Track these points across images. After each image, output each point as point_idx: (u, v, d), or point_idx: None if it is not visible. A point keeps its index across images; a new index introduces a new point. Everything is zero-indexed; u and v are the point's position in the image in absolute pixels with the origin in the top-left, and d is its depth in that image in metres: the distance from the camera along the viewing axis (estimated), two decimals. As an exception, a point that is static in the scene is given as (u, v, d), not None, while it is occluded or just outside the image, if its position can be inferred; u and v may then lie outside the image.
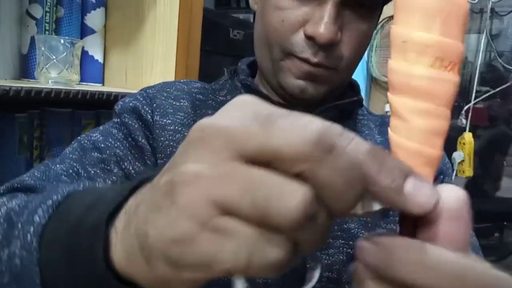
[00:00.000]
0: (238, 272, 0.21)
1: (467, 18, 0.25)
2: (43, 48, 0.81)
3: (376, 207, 0.23)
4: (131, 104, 0.58)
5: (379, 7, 0.55)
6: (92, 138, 0.56)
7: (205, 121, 0.22)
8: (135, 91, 0.98)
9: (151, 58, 1.04)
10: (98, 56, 1.07)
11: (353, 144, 0.21)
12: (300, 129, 0.20)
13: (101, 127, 0.58)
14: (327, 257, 0.53)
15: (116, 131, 0.57)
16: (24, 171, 0.84)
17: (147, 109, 0.58)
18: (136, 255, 0.24)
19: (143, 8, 1.04)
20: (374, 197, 0.22)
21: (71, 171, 0.52)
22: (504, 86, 1.73)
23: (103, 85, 1.11)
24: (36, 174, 0.51)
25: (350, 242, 0.54)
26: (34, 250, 0.30)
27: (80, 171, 0.52)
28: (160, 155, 0.56)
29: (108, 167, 0.54)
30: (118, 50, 1.09)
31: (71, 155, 0.54)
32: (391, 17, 1.84)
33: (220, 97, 0.62)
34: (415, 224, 0.24)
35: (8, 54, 0.94)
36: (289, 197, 0.20)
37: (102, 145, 0.55)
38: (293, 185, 0.20)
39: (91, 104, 0.88)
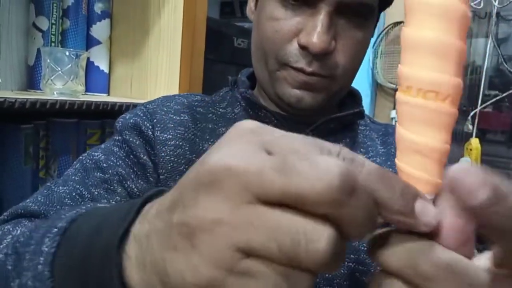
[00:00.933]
0: None
1: (463, 56, 0.26)
2: (48, 60, 0.82)
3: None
4: (131, 120, 0.58)
5: (374, 15, 0.55)
6: (94, 157, 0.56)
7: (213, 160, 0.21)
8: (140, 100, 1.00)
9: (155, 68, 1.05)
10: (104, 67, 1.08)
11: (367, 174, 0.22)
12: (321, 173, 0.20)
13: (102, 145, 0.59)
14: None
15: (117, 149, 0.57)
16: (30, 182, 0.86)
17: (147, 124, 0.58)
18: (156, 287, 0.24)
19: (148, 19, 1.05)
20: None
21: (74, 194, 0.52)
22: (510, 92, 1.72)
23: (109, 95, 1.12)
24: (39, 199, 0.51)
25: (352, 256, 0.53)
26: (47, 279, 0.30)
27: (83, 193, 0.52)
28: (162, 170, 0.56)
29: (112, 187, 0.54)
30: (123, 60, 1.10)
31: (73, 177, 0.54)
32: (396, 24, 1.85)
33: (220, 109, 0.62)
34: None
35: (15, 66, 0.96)
36: (316, 239, 0.20)
37: (105, 164, 0.55)
38: (318, 226, 0.20)
39: (96, 114, 0.89)
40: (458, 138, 1.73)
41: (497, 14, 1.70)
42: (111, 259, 0.27)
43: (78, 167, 0.56)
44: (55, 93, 0.83)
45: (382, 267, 0.24)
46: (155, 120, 0.58)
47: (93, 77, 1.06)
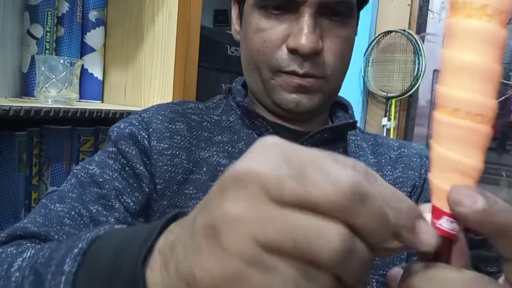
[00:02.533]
0: None
1: (500, 78, 0.27)
2: (43, 68, 0.83)
3: None
4: (127, 130, 0.58)
5: (354, 12, 0.57)
6: (90, 171, 0.55)
7: (238, 166, 0.23)
8: (134, 108, 1.00)
9: (149, 75, 1.06)
10: (98, 74, 1.09)
11: (378, 187, 0.23)
12: (334, 182, 0.22)
13: (96, 158, 0.58)
14: None
15: (112, 161, 0.56)
16: (23, 189, 0.86)
17: (143, 134, 0.57)
18: None
19: (142, 27, 1.06)
20: None
21: (73, 212, 0.52)
22: (499, 99, 1.75)
23: (103, 101, 1.12)
24: (38, 219, 0.50)
25: (380, 271, 0.55)
26: None
27: (81, 211, 0.52)
28: (159, 180, 0.55)
29: (109, 203, 0.53)
30: (117, 67, 1.11)
31: (70, 194, 0.54)
32: (386, 32, 1.87)
33: (215, 117, 0.63)
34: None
35: (9, 73, 0.97)
36: (328, 235, 0.21)
37: (100, 179, 0.54)
38: (330, 224, 0.22)
39: (90, 121, 0.90)
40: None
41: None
42: (136, 275, 0.28)
43: (73, 182, 0.55)
44: (49, 100, 0.83)
45: None
46: (151, 130, 0.58)
47: (87, 84, 1.07)
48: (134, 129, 0.58)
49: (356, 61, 1.73)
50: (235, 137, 0.60)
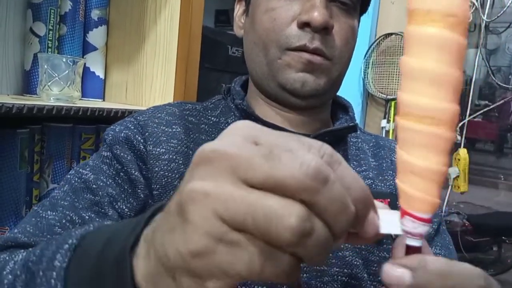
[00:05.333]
0: (253, 278, 0.24)
1: (461, 85, 0.27)
2: (45, 66, 0.83)
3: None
4: (122, 134, 0.56)
5: (358, 10, 0.59)
6: (83, 176, 0.54)
7: (209, 146, 0.25)
8: (135, 106, 1.01)
9: (151, 75, 1.06)
10: (100, 73, 1.10)
11: (341, 172, 0.25)
12: (300, 164, 0.23)
13: (91, 162, 0.56)
14: (322, 285, 0.53)
15: (107, 167, 0.55)
16: (25, 186, 0.87)
17: (139, 138, 0.56)
18: (163, 278, 0.26)
19: (144, 26, 1.06)
20: None
21: (64, 221, 0.50)
22: (498, 103, 1.76)
23: (104, 100, 1.13)
24: (28, 229, 0.49)
25: (345, 270, 0.54)
26: None
27: (73, 218, 0.51)
28: (155, 185, 0.54)
29: (103, 210, 0.52)
30: (119, 66, 1.12)
31: (62, 202, 0.52)
32: (387, 35, 1.88)
33: (212, 118, 0.62)
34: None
35: (12, 70, 0.97)
36: (286, 216, 0.22)
37: (94, 185, 0.53)
38: (289, 205, 0.23)
39: (91, 119, 0.90)
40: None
41: (486, 26, 1.74)
42: (123, 264, 0.28)
43: (66, 189, 0.54)
44: (51, 98, 0.84)
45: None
46: (147, 134, 0.56)
47: (89, 83, 1.08)
48: (130, 133, 0.56)
49: (356, 63, 1.73)
50: None
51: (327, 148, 0.25)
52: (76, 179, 0.54)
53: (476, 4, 1.70)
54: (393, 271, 0.28)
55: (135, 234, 0.29)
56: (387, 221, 0.28)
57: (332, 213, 0.24)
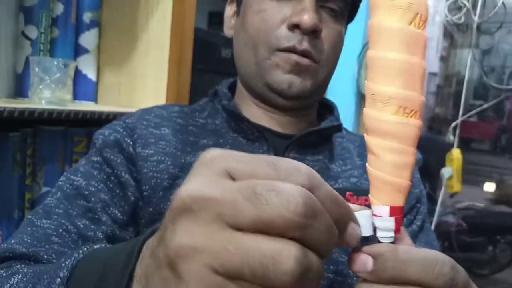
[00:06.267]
0: None
1: (425, 75, 0.29)
2: (37, 69, 0.83)
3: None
4: (111, 137, 0.57)
5: (345, 13, 0.60)
6: (75, 183, 0.55)
7: (186, 192, 0.23)
8: (128, 109, 1.01)
9: (143, 77, 1.06)
10: (92, 75, 1.09)
11: (324, 193, 0.25)
12: (287, 202, 0.22)
13: (81, 168, 0.57)
14: None
15: (97, 172, 0.56)
16: (17, 189, 0.87)
17: (128, 141, 0.57)
18: None
19: (136, 28, 1.07)
20: None
21: (60, 230, 0.51)
22: (491, 103, 1.77)
23: (96, 102, 1.13)
24: (25, 239, 0.50)
25: (331, 267, 0.55)
26: None
27: (69, 227, 0.51)
28: (145, 187, 0.55)
29: (96, 216, 0.53)
30: (112, 69, 1.12)
31: (56, 209, 0.53)
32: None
33: (200, 120, 0.63)
34: None
35: (4, 73, 0.97)
36: (284, 261, 0.22)
37: (86, 191, 0.54)
38: (284, 248, 0.22)
39: (84, 121, 0.91)
40: (442, 148, 1.77)
41: (478, 27, 1.75)
42: None
43: (59, 196, 0.54)
44: (43, 101, 0.84)
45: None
46: (135, 136, 0.57)
47: (81, 85, 1.07)
48: (119, 136, 0.57)
49: (349, 64, 1.74)
50: (221, 140, 0.60)
51: (305, 169, 0.25)
52: (68, 185, 0.55)
53: (467, 5, 1.71)
54: (357, 258, 0.29)
55: (127, 274, 0.29)
56: (364, 224, 0.29)
57: (322, 242, 0.24)
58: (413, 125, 0.28)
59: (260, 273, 0.22)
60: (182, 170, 0.57)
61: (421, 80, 0.28)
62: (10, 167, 0.85)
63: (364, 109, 0.30)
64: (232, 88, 0.66)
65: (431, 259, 0.29)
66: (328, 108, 0.68)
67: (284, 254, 0.22)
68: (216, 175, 0.24)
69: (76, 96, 1.06)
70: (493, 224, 2.14)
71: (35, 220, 0.52)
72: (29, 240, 0.50)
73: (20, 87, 0.97)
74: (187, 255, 0.23)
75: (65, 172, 0.59)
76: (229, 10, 0.66)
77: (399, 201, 0.30)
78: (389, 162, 0.29)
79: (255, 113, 0.61)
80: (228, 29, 0.65)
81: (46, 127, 0.93)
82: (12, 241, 0.50)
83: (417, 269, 0.28)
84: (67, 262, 0.35)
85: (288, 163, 0.25)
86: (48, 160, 0.94)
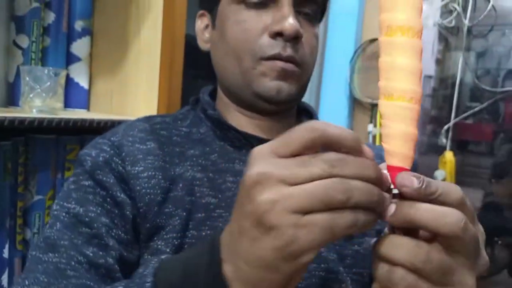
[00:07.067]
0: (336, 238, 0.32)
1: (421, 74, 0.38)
2: (27, 78, 0.84)
3: None
4: (100, 158, 0.56)
5: (318, 16, 0.62)
6: (72, 211, 0.53)
7: (253, 172, 0.33)
8: (120, 116, 1.02)
9: (135, 84, 1.07)
10: (84, 83, 1.10)
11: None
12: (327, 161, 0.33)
13: (73, 194, 0.55)
14: (301, 281, 0.54)
15: (92, 196, 0.54)
16: (9, 197, 0.87)
17: (116, 160, 0.56)
18: (266, 274, 0.33)
19: (128, 36, 1.07)
20: None
21: (73, 263, 0.50)
22: (483, 105, 1.79)
23: (89, 110, 1.14)
24: (40, 278, 0.48)
25: (322, 265, 0.56)
26: None
27: (79, 258, 0.50)
28: (140, 204, 0.54)
29: (103, 241, 0.52)
30: (103, 76, 1.12)
31: (61, 242, 0.51)
32: (372, 40, 1.90)
33: (183, 129, 0.62)
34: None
35: (-5, 83, 0.98)
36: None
37: (87, 218, 0.52)
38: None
39: (76, 129, 0.91)
40: (436, 151, 1.78)
41: (469, 30, 1.76)
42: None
43: (59, 227, 0.53)
44: (34, 110, 0.85)
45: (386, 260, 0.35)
46: (123, 154, 0.56)
47: (73, 93, 1.08)
48: (107, 155, 0.56)
49: (341, 68, 1.75)
50: (207, 149, 0.60)
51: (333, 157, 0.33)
52: (64, 214, 0.53)
53: (458, 8, 1.73)
54: (406, 176, 0.35)
55: (216, 260, 0.36)
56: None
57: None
58: (417, 110, 0.37)
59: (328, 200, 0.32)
60: (173, 183, 0.56)
61: (419, 77, 0.37)
62: (1, 176, 0.85)
63: (380, 101, 0.38)
64: (213, 96, 0.66)
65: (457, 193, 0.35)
66: (306, 112, 0.69)
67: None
68: (268, 157, 0.33)
69: (68, 104, 1.06)
70: (490, 226, 2.14)
71: (41, 255, 0.51)
72: (45, 280, 0.48)
73: (12, 96, 0.98)
74: (268, 208, 0.31)
75: (56, 199, 0.57)
76: (200, 23, 0.66)
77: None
78: (400, 140, 0.37)
79: (238, 120, 0.62)
80: (203, 42, 0.66)
81: (38, 136, 0.93)
82: (27, 282, 0.48)
83: (455, 196, 0.35)
84: (147, 271, 0.40)
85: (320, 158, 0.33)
86: (40, 168, 0.94)
